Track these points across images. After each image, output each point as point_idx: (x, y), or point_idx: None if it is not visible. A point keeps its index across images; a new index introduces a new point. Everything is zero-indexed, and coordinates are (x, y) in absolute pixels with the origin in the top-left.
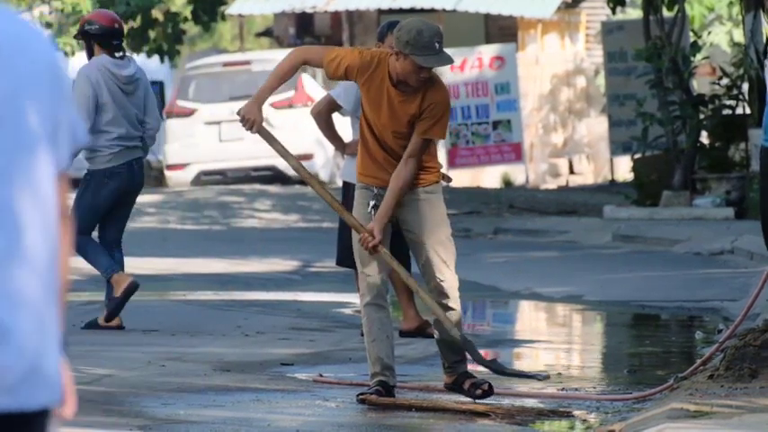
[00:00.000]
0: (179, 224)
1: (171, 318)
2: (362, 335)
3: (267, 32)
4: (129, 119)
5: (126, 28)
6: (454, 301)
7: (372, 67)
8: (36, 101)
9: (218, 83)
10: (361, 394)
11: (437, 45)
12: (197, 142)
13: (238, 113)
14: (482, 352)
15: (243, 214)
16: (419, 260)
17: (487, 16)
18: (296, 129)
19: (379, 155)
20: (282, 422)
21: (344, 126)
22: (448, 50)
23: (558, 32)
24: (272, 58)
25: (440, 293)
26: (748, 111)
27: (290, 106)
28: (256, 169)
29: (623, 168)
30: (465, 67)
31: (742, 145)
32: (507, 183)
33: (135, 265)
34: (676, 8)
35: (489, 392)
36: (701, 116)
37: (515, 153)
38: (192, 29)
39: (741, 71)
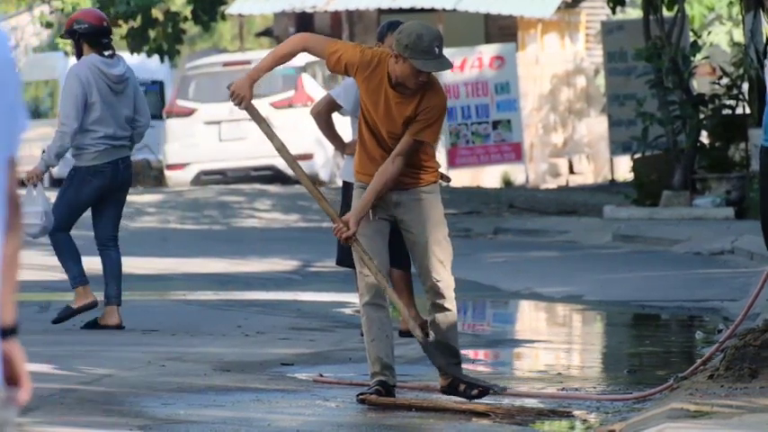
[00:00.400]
0: (179, 224)
1: (171, 317)
2: (362, 335)
3: (267, 32)
4: (118, 118)
5: (126, 28)
6: (450, 302)
7: (372, 65)
8: None
9: (218, 83)
10: (361, 394)
11: (436, 49)
12: (197, 142)
13: (229, 87)
14: (482, 353)
15: (243, 214)
16: (416, 260)
17: (487, 16)
18: (296, 128)
19: (377, 153)
20: (282, 422)
21: (344, 126)
22: (448, 50)
23: (558, 32)
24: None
25: (436, 294)
26: (748, 111)
27: (290, 106)
28: (256, 169)
29: (623, 168)
30: (465, 66)
31: (742, 145)
32: (507, 182)
33: (135, 264)
34: (676, 8)
35: (485, 393)
36: (701, 116)
37: (515, 153)
38: (191, 29)
39: (741, 71)
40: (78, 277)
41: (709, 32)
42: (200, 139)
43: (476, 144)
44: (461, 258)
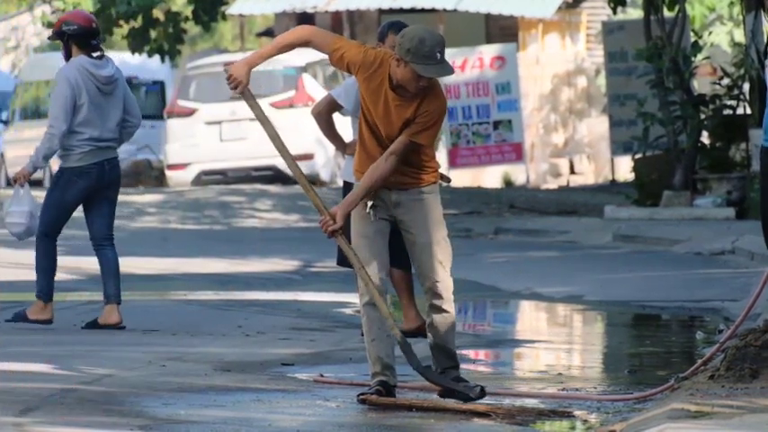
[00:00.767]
0: (180, 224)
1: (171, 317)
2: (362, 335)
3: (268, 32)
4: (105, 120)
5: (127, 28)
6: (448, 303)
7: (374, 66)
8: None
9: (219, 83)
10: (362, 394)
11: (438, 55)
12: (198, 142)
13: (226, 70)
14: (482, 353)
15: (243, 214)
16: (415, 260)
17: (488, 16)
18: (296, 129)
19: (377, 153)
20: (283, 422)
21: (345, 126)
22: (449, 50)
23: (558, 32)
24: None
25: (435, 294)
26: (749, 111)
27: (291, 106)
28: (257, 169)
29: (624, 168)
30: (466, 67)
31: (743, 145)
32: (508, 183)
33: (136, 264)
34: (677, 8)
35: (482, 395)
36: (702, 116)
37: (516, 153)
38: (192, 29)
39: (742, 71)
40: (44, 291)
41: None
42: (201, 139)
43: (476, 144)
44: (462, 258)
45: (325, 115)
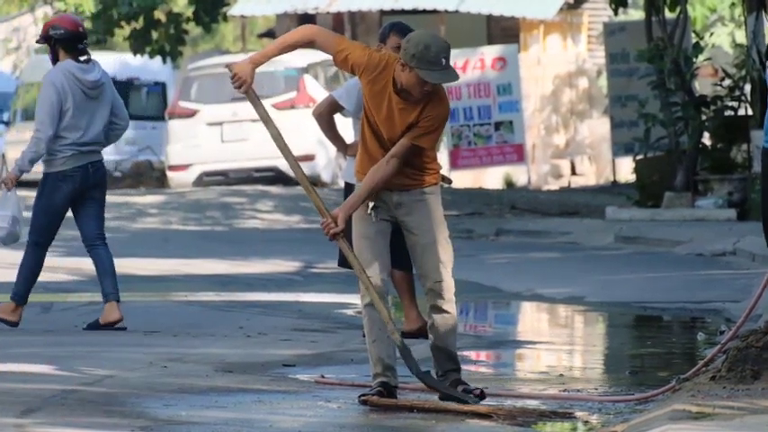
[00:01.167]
0: (181, 225)
1: (172, 318)
2: (364, 336)
3: (269, 33)
4: (91, 124)
5: (129, 29)
6: (449, 304)
7: (379, 69)
8: None
9: (221, 84)
10: (363, 395)
11: (443, 61)
12: (199, 143)
13: (230, 69)
14: (484, 354)
15: (245, 215)
16: (417, 261)
17: (489, 17)
18: (298, 130)
19: (379, 154)
20: (284, 423)
21: (346, 127)
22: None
23: (560, 33)
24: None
25: (436, 295)
26: (750, 112)
27: (292, 107)
28: (258, 170)
29: (625, 169)
30: (467, 67)
31: (744, 146)
32: (509, 184)
33: (137, 265)
34: (678, 9)
35: (482, 398)
36: (703, 117)
37: (517, 154)
38: (194, 30)
39: (743, 72)
40: (20, 295)
41: (712, 34)
42: (203, 140)
43: (478, 145)
44: (463, 259)
45: (326, 116)
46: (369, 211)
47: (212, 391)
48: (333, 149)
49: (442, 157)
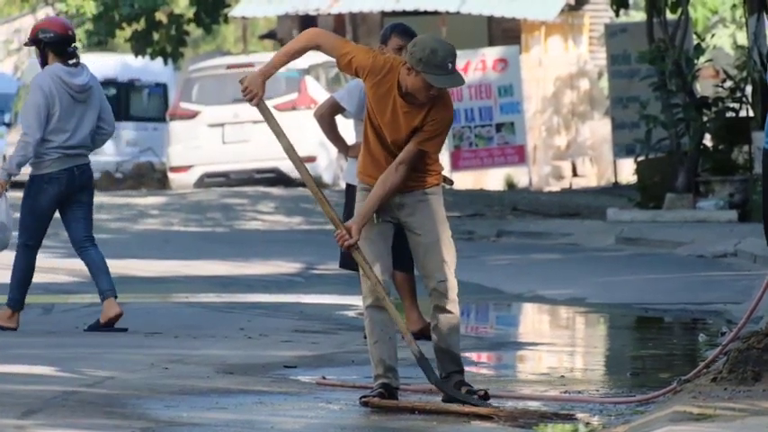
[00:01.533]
0: (182, 226)
1: (173, 320)
2: (365, 337)
3: (270, 35)
4: (78, 128)
5: (130, 30)
6: (452, 304)
7: (383, 72)
8: None
9: (222, 85)
10: (364, 397)
11: (450, 65)
12: (200, 144)
13: (241, 82)
14: (485, 355)
15: (246, 216)
16: (420, 261)
17: (491, 18)
18: (299, 131)
19: (382, 156)
20: (285, 425)
21: (348, 128)
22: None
23: (561, 35)
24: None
25: (440, 295)
26: (751, 113)
27: (294, 108)
28: (259, 171)
29: (626, 171)
30: (468, 69)
31: (745, 147)
32: (510, 185)
33: (137, 266)
34: (680, 11)
35: (486, 399)
36: (705, 119)
37: (518, 155)
38: (195, 31)
39: (744, 74)
40: (15, 300)
41: (713, 35)
42: (204, 141)
43: (479, 147)
44: (464, 261)
45: (327, 118)
46: None
47: (213, 392)
48: (334, 151)
49: (443, 158)
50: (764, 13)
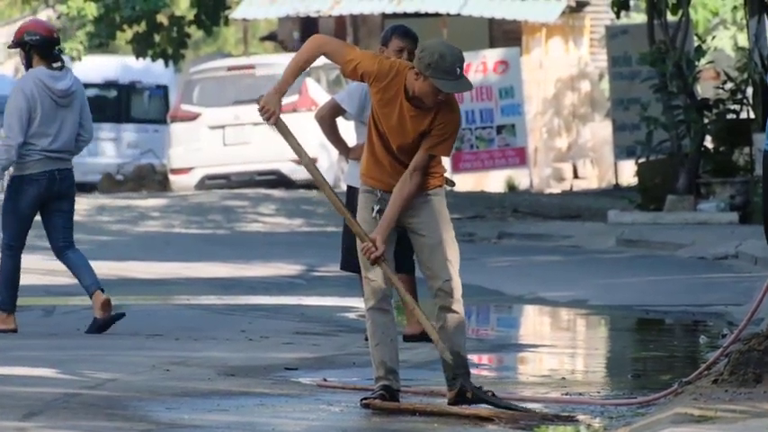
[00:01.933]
0: (183, 228)
1: (174, 322)
2: (366, 339)
3: (271, 37)
4: (60, 132)
5: (131, 32)
6: (458, 303)
7: (390, 76)
8: None
9: (223, 87)
10: (365, 399)
11: (458, 70)
12: (201, 146)
13: (258, 102)
14: (486, 357)
15: (247, 218)
16: (424, 262)
17: (492, 20)
18: (300, 133)
19: (386, 160)
20: (286, 427)
21: (349, 130)
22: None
23: (562, 37)
24: (276, 62)
25: (445, 294)
26: (752, 115)
27: (294, 110)
28: (261, 173)
29: (627, 173)
30: (469, 71)
31: (746, 149)
32: (511, 187)
33: (138, 268)
34: (680, 12)
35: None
36: (706, 120)
37: (519, 157)
38: (196, 33)
39: (745, 76)
40: (7, 303)
41: (714, 37)
42: (205, 143)
43: (480, 149)
44: (465, 263)
45: (328, 120)
46: (374, 215)
47: (214, 394)
48: (335, 153)
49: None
50: (765, 15)
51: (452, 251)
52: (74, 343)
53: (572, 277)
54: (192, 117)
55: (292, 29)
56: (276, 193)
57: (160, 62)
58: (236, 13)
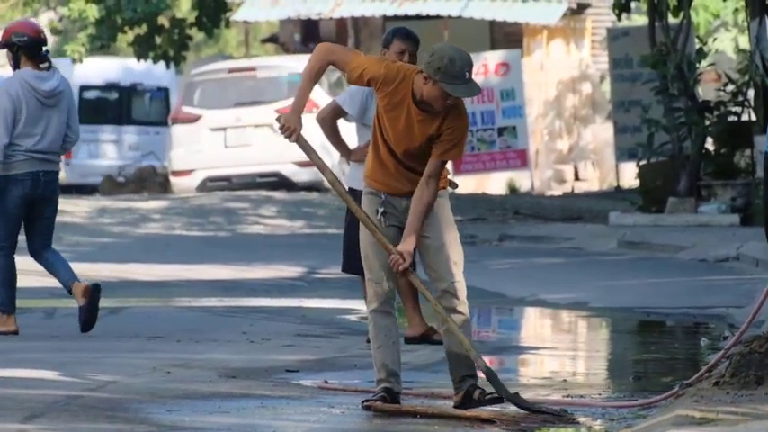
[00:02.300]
0: (184, 230)
1: (175, 324)
2: (368, 341)
3: (272, 39)
4: (46, 132)
5: (132, 34)
6: (463, 304)
7: (397, 81)
8: None
9: (224, 89)
10: (367, 401)
11: (467, 74)
12: (202, 148)
13: (278, 120)
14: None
15: (248, 220)
16: (429, 263)
17: (493, 22)
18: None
19: (390, 164)
20: (287, 429)
21: (350, 132)
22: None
23: (563, 39)
24: (277, 64)
25: (451, 296)
26: (753, 117)
27: None
28: (262, 175)
29: (629, 175)
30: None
31: (747, 151)
32: (512, 189)
33: (139, 271)
34: (682, 15)
35: (500, 399)
36: (707, 123)
37: (521, 159)
38: (197, 35)
39: (746, 78)
40: (5, 304)
41: (715, 39)
42: (206, 145)
43: (481, 151)
44: (467, 265)
45: (329, 122)
46: (378, 217)
47: (216, 396)
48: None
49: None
50: (766, 17)
51: (457, 253)
52: (75, 345)
53: (573, 279)
54: (194, 119)
55: (293, 31)
56: (277, 195)
57: (161, 64)
58: (238, 16)
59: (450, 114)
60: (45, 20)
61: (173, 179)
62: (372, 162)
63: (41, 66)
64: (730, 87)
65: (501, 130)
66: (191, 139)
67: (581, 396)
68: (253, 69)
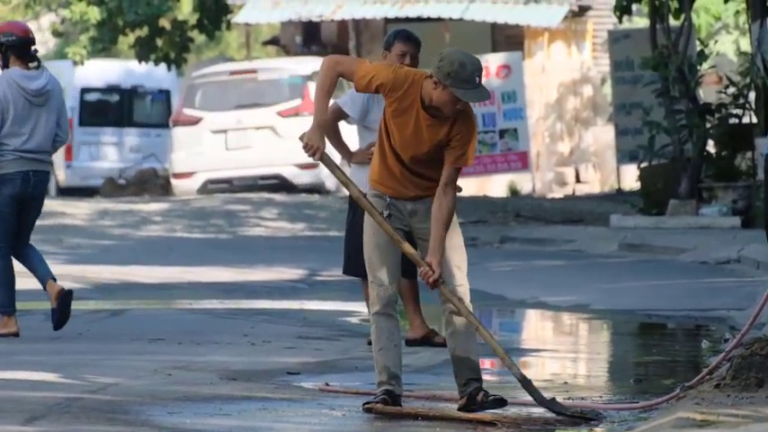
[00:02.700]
0: (185, 232)
1: (177, 326)
2: (369, 343)
3: (274, 41)
4: (34, 131)
5: (133, 37)
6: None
7: (406, 86)
8: None
9: (225, 91)
10: (368, 403)
11: (477, 79)
12: (203, 151)
13: (301, 139)
14: (488, 362)
15: (249, 223)
16: None
17: (494, 25)
18: None
19: (397, 169)
20: (289, 431)
21: (351, 134)
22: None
23: (564, 41)
24: (278, 66)
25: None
26: (755, 120)
27: (297, 114)
28: (263, 178)
29: (630, 177)
30: None
31: (748, 154)
32: (514, 191)
33: (141, 273)
34: (683, 17)
35: (503, 402)
36: (708, 125)
37: (522, 162)
38: (198, 37)
39: (747, 80)
40: (5, 305)
41: (716, 41)
42: (207, 147)
43: (482, 153)
44: (468, 267)
45: (331, 124)
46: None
47: (217, 398)
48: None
49: None
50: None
51: (460, 256)
52: (76, 347)
53: (574, 282)
54: (195, 121)
55: (295, 33)
56: (278, 197)
57: (162, 66)
58: (239, 18)
59: (459, 119)
60: (47, 22)
61: (174, 181)
62: (378, 167)
63: (30, 65)
64: (731, 90)
65: (502, 133)
66: (192, 142)
67: (582, 398)
68: (254, 71)
